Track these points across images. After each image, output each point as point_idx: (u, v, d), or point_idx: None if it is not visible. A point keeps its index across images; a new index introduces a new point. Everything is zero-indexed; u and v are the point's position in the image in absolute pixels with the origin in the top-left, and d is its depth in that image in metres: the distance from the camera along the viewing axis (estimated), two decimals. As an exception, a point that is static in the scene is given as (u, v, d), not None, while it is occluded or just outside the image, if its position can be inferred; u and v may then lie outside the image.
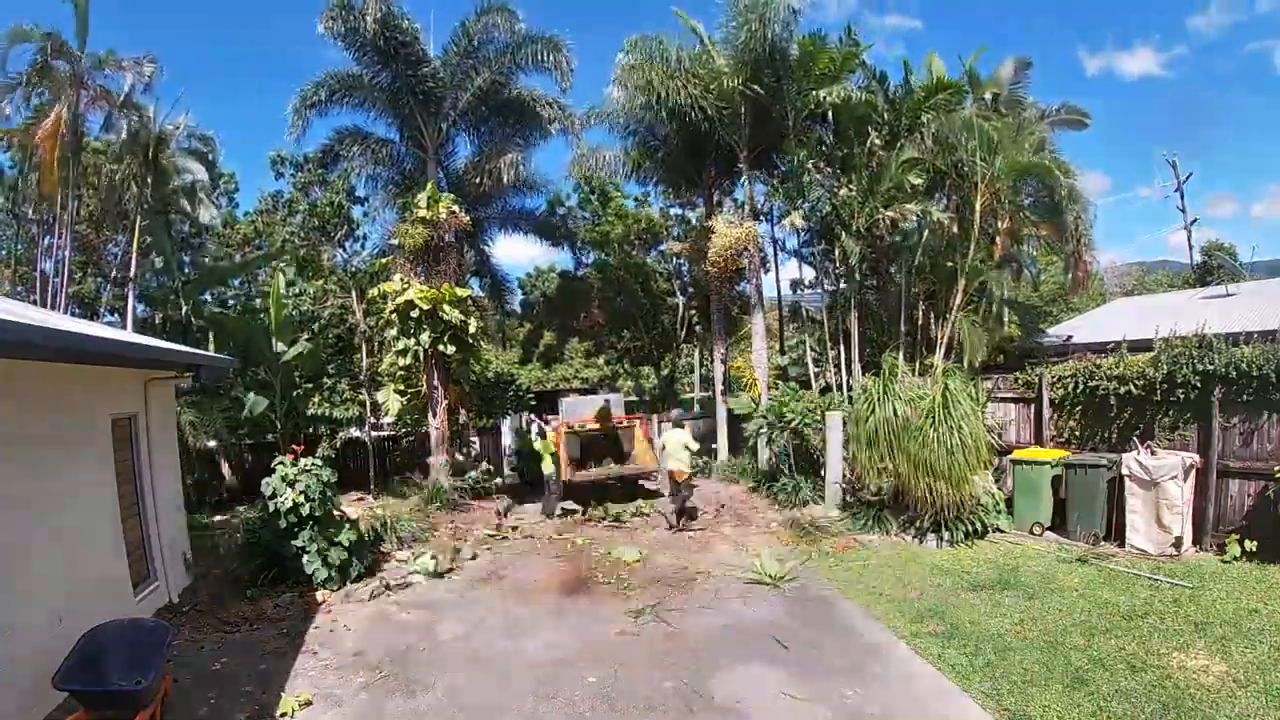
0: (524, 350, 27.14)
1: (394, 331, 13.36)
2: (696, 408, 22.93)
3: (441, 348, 13.30)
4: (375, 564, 9.24)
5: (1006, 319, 14.53)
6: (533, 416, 16.02)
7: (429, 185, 13.92)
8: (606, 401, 14.91)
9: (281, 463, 8.52)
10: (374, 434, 16.35)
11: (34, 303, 15.05)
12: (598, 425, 14.27)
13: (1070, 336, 15.82)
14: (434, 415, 14.06)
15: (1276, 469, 7.85)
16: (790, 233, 16.84)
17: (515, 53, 14.17)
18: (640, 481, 14.65)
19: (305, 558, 8.25)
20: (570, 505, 13.26)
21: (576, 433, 14.23)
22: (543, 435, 14.02)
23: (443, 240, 13.94)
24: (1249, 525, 8.19)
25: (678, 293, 24.11)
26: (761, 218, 18.42)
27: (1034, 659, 5.79)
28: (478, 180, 16.49)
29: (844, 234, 13.59)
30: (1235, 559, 7.92)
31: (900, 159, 12.61)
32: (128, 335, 11.53)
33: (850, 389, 13.71)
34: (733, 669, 5.98)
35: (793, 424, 12.75)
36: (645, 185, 21.29)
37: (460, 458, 15.08)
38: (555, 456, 13.18)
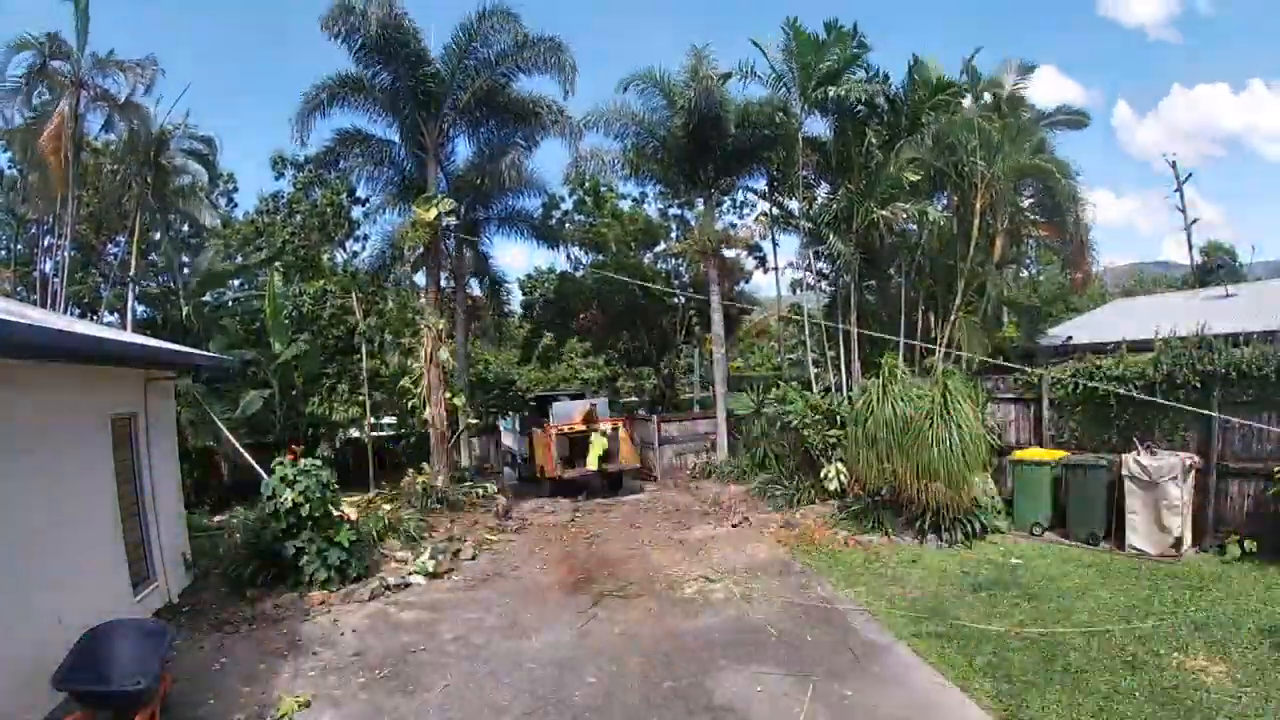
0: (523, 351, 27.11)
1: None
2: (695, 408, 22.92)
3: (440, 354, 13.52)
4: (375, 564, 9.23)
5: (1006, 319, 14.54)
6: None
7: (430, 189, 13.94)
8: (593, 405, 15.43)
9: (281, 463, 8.52)
10: (374, 434, 16.33)
11: (34, 303, 15.04)
12: (585, 427, 14.65)
13: (1070, 337, 15.80)
14: (433, 416, 14.07)
15: (1276, 469, 7.85)
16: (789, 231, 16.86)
17: (517, 55, 14.15)
18: (625, 477, 15.50)
19: (305, 558, 8.25)
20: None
21: (565, 434, 14.82)
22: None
23: (443, 241, 14.04)
24: (1249, 525, 8.19)
25: (676, 293, 24.10)
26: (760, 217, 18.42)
27: (1033, 659, 5.79)
28: (478, 181, 16.49)
29: (833, 235, 13.60)
30: (1235, 559, 7.91)
31: (899, 159, 12.60)
32: (128, 335, 11.53)
33: (850, 389, 13.72)
34: (732, 669, 5.98)
35: (793, 424, 12.75)
36: (644, 186, 21.31)
37: (461, 459, 15.11)
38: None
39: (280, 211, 23.38)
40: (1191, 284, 23.23)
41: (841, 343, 14.57)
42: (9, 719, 4.74)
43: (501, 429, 20.29)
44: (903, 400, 9.85)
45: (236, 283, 21.62)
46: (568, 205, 23.83)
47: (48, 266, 16.50)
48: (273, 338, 15.19)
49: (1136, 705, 4.96)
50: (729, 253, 20.31)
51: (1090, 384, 9.81)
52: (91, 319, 15.49)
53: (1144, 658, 5.68)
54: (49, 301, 15.08)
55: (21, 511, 5.32)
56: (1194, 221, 27.09)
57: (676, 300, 23.78)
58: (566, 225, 22.69)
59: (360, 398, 16.32)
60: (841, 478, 11.49)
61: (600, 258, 23.23)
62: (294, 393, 15.94)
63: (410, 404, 14.52)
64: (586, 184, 21.56)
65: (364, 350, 16.60)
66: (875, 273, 15.55)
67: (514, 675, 6.05)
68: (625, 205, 24.15)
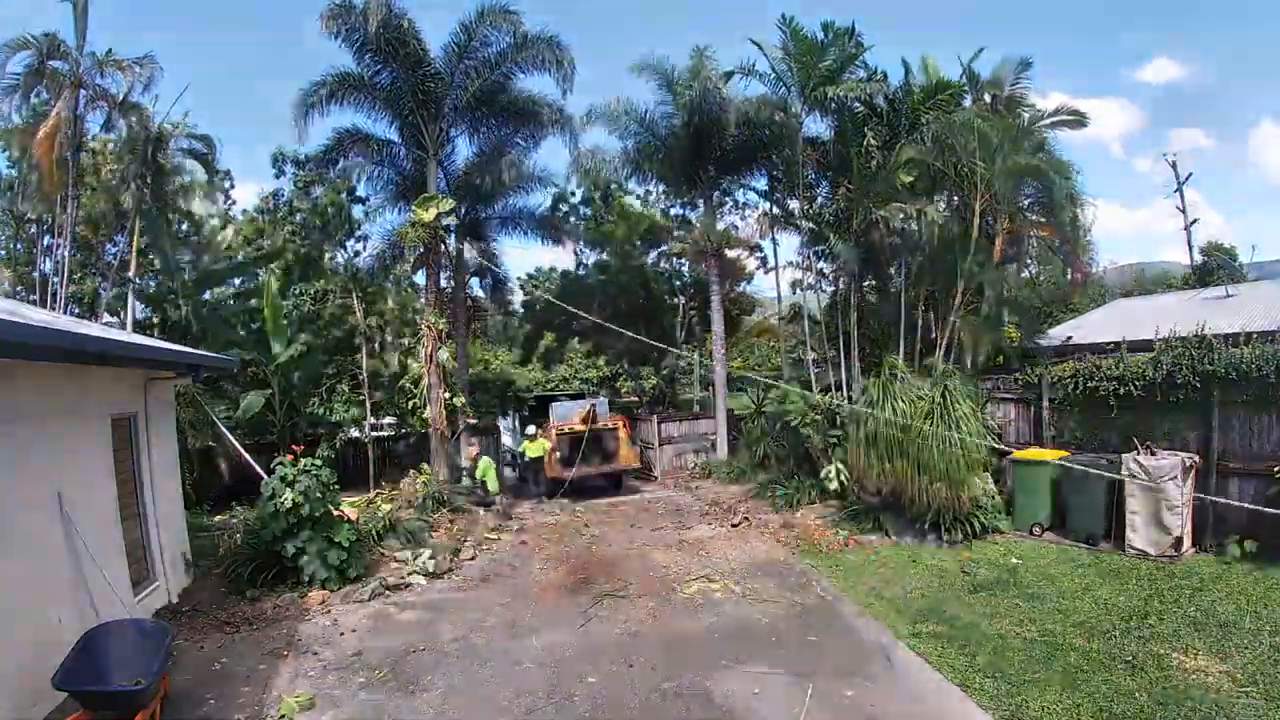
0: (525, 351, 27.13)
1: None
2: (696, 408, 22.93)
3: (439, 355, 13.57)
4: (374, 564, 9.24)
5: (1006, 320, 14.54)
6: (473, 441, 15.62)
7: (430, 189, 13.96)
8: (592, 406, 15.58)
9: (281, 463, 8.52)
10: (374, 434, 16.34)
11: (34, 303, 15.04)
12: (584, 427, 14.74)
13: (1070, 337, 15.82)
14: (433, 416, 14.10)
15: (1276, 469, 7.85)
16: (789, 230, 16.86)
17: (516, 54, 14.14)
18: (624, 477, 15.58)
19: (304, 558, 8.25)
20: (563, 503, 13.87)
21: (565, 434, 14.91)
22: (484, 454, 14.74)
23: (442, 241, 14.08)
24: (1249, 526, 8.18)
25: (678, 293, 24.10)
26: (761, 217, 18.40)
27: (1033, 659, 5.79)
28: (478, 180, 16.49)
29: (833, 235, 13.60)
30: (1235, 559, 7.91)
31: (898, 160, 12.59)
32: (128, 335, 11.52)
33: (850, 390, 13.72)
34: (732, 669, 5.98)
35: (793, 424, 12.75)
36: (646, 185, 21.32)
37: (460, 461, 15.11)
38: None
39: (280, 210, 23.38)
40: (1192, 284, 23.21)
41: (842, 343, 14.57)
42: (10, 719, 4.74)
43: (501, 429, 20.30)
44: (903, 400, 9.84)
45: (237, 282, 21.61)
46: (576, 200, 23.78)
47: (47, 266, 16.49)
48: (272, 338, 15.18)
49: (1136, 705, 4.96)
50: (730, 253, 20.33)
51: (1090, 384, 9.81)
52: (91, 319, 15.48)
53: (1144, 658, 5.68)
54: (49, 301, 15.07)
55: (21, 512, 5.32)
56: (1194, 222, 27.12)
57: (678, 300, 23.80)
58: (572, 219, 22.64)
59: (360, 398, 16.32)
60: (842, 478, 11.49)
61: (605, 257, 23.22)
62: (294, 393, 15.92)
63: (410, 404, 14.55)
64: (598, 180, 21.44)
65: (364, 350, 16.60)
66: (875, 273, 15.55)
67: (514, 675, 6.05)
68: (634, 203, 24.09)
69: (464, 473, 14.73)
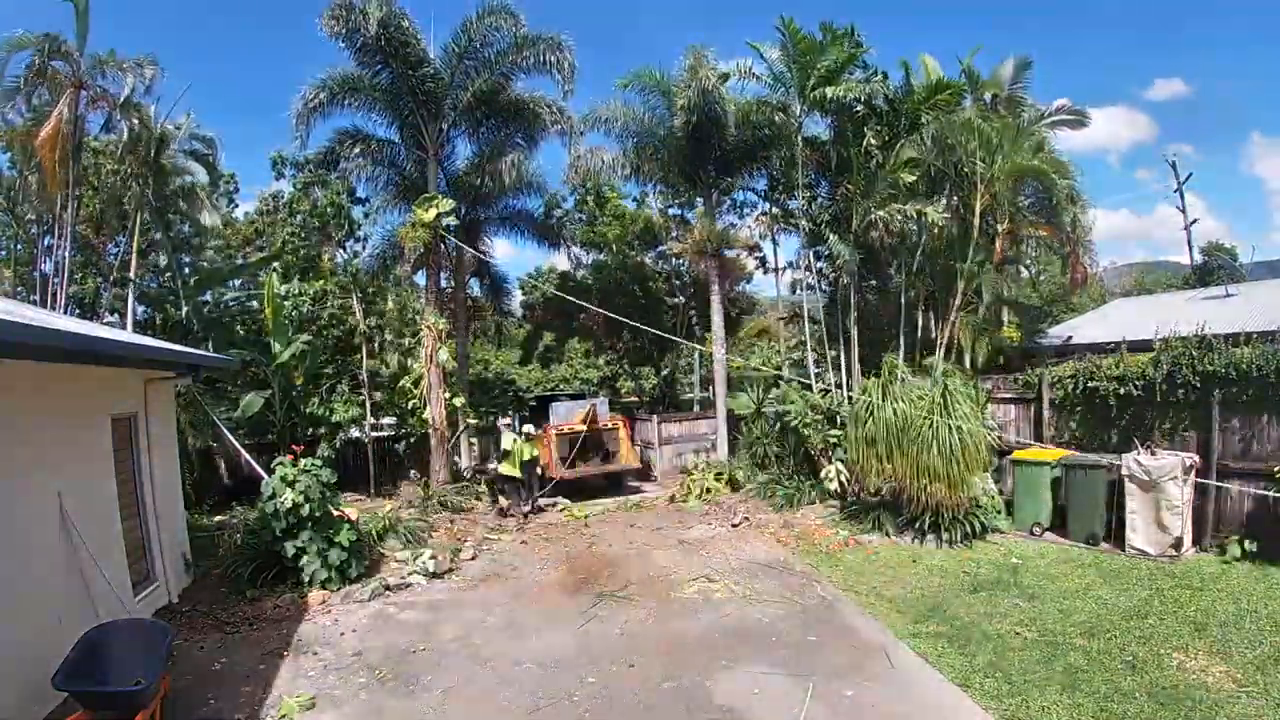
0: (524, 351, 27.15)
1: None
2: (696, 408, 22.94)
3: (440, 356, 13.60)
4: (375, 564, 9.24)
5: (1006, 320, 14.56)
6: (507, 419, 15.99)
7: (430, 189, 13.98)
8: (593, 405, 15.56)
9: (281, 463, 8.52)
10: (374, 434, 16.35)
11: (34, 303, 15.05)
12: (584, 427, 14.75)
13: (1070, 337, 15.84)
14: (433, 417, 14.10)
15: (1276, 469, 7.86)
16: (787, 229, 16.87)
17: (516, 54, 14.13)
18: (624, 477, 15.50)
19: (305, 558, 8.24)
20: (563, 501, 13.81)
21: (565, 434, 14.91)
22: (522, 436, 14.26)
23: (442, 241, 14.10)
24: (1249, 526, 8.19)
25: (677, 293, 24.09)
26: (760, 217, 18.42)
27: (1033, 659, 5.79)
28: (478, 181, 16.49)
29: (834, 236, 13.60)
30: (1235, 559, 7.92)
31: (898, 160, 12.59)
32: (128, 335, 11.53)
33: (850, 390, 13.73)
34: (733, 669, 5.98)
35: (793, 424, 12.75)
36: (644, 186, 21.31)
37: (460, 461, 15.14)
38: (527, 462, 13.37)
39: (280, 212, 23.41)
40: (1192, 284, 23.22)
41: (842, 343, 14.57)
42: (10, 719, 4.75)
43: (502, 429, 20.30)
44: (903, 400, 9.84)
45: (237, 283, 21.62)
46: (569, 205, 23.82)
47: (48, 266, 16.50)
48: (272, 338, 15.20)
49: (1137, 705, 4.96)
50: (729, 253, 20.30)
51: (1090, 384, 9.82)
52: (92, 319, 15.49)
53: (1144, 658, 5.69)
54: (49, 302, 15.07)
55: (21, 511, 5.32)
56: (1194, 222, 27.11)
57: (677, 300, 23.80)
58: (567, 225, 22.68)
59: (360, 398, 16.32)
60: (842, 478, 11.50)
61: (601, 258, 23.22)
62: (294, 393, 15.93)
63: (410, 404, 14.56)
64: (588, 184, 21.53)
65: (364, 350, 16.62)
66: (875, 273, 15.56)
67: (514, 675, 6.05)
68: (629, 205, 24.09)
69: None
